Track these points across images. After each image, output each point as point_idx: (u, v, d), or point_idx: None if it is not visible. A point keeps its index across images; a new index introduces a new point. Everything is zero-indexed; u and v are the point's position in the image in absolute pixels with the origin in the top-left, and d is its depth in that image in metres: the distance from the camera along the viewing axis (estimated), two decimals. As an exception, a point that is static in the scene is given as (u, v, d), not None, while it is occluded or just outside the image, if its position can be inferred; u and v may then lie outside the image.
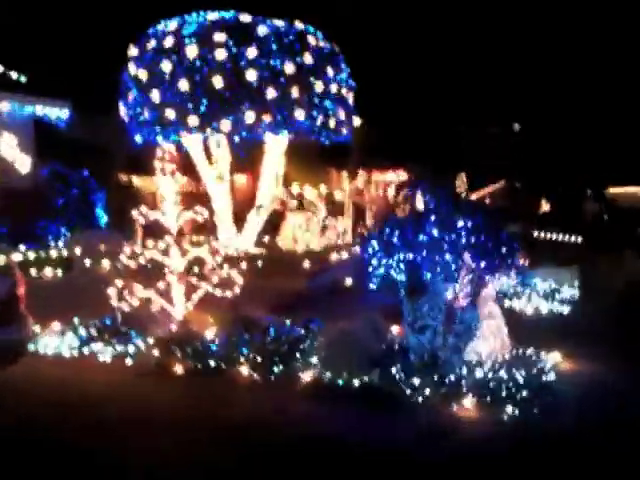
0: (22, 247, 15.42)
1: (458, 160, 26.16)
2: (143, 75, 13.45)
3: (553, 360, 8.20)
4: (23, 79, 19.77)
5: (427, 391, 6.78)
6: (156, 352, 7.54)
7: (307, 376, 6.96)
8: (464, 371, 7.50)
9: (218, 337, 7.99)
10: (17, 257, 14.82)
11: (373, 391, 6.69)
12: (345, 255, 15.50)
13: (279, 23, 13.44)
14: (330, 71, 13.80)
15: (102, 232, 16.22)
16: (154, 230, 9.17)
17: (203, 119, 12.98)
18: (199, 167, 15.00)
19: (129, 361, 7.69)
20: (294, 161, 20.61)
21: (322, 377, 6.94)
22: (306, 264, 13.78)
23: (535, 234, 20.53)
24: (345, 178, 22.81)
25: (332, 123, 14.02)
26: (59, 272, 13.72)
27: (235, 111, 12.90)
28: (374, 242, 7.30)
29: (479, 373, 7.56)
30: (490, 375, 7.49)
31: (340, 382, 6.78)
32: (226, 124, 12.93)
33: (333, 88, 13.90)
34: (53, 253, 15.60)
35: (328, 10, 23.88)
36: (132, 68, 13.70)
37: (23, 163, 19.01)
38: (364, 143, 21.32)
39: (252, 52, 12.86)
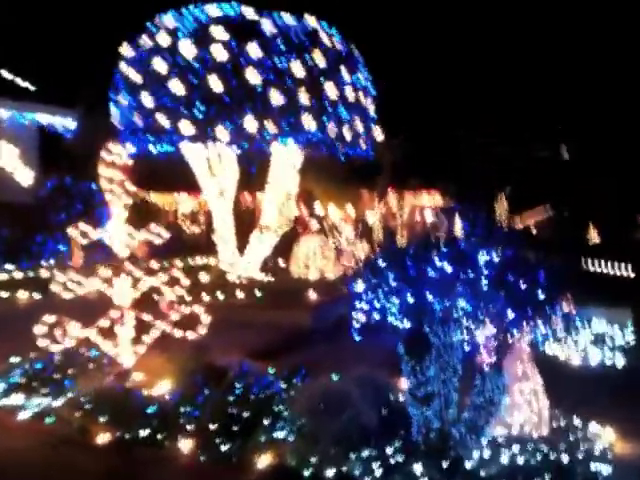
0: (9, 266, 14.13)
1: (497, 181, 24.06)
2: (135, 77, 11.95)
3: (605, 439, 6.23)
4: (30, 87, 18.67)
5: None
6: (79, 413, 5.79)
7: (266, 459, 5.10)
8: (485, 454, 5.60)
9: (169, 394, 6.23)
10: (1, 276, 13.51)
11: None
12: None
13: (288, 19, 11.77)
14: (345, 74, 12.02)
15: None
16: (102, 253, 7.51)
17: (198, 126, 11.37)
18: (200, 181, 13.37)
19: (51, 421, 5.95)
20: (317, 178, 18.89)
21: (286, 461, 5.06)
22: (313, 295, 11.97)
23: (584, 267, 18.39)
24: (376, 199, 21.12)
25: (347, 134, 12.20)
26: (36, 295, 12.22)
27: (234, 118, 11.25)
28: (366, 277, 5.45)
29: (505, 457, 5.64)
30: (521, 460, 5.58)
31: (306, 472, 4.89)
32: (224, 132, 11.29)
33: (349, 94, 12.10)
34: (42, 273, 14.20)
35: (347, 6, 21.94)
36: (124, 68, 12.22)
37: (24, 175, 17.82)
38: (392, 160, 19.49)
39: (255, 51, 11.22)
